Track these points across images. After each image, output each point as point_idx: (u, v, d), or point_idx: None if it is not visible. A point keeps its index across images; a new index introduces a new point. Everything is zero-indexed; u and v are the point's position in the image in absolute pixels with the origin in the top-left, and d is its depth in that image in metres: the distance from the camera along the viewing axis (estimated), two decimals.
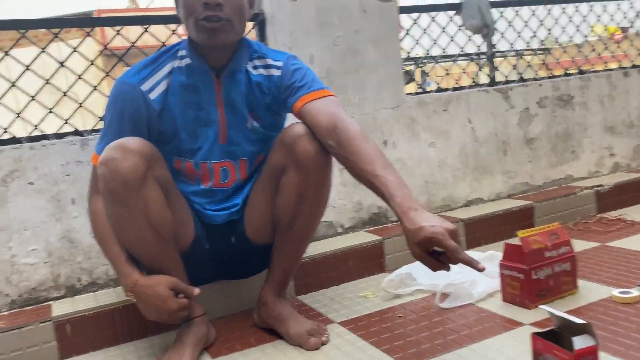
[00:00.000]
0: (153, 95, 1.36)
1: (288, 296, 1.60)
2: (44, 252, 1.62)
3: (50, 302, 1.62)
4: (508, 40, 2.49)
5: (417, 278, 1.70)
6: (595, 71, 2.69)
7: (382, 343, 1.35)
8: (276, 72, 1.42)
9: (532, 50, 2.70)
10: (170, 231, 1.30)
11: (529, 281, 1.44)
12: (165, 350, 1.41)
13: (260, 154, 1.47)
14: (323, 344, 1.38)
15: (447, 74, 2.48)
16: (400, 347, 1.32)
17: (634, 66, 2.77)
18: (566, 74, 2.60)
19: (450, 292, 1.58)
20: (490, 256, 1.73)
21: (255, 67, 1.43)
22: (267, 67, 1.43)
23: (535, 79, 2.50)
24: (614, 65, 2.82)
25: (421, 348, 1.30)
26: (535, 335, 1.10)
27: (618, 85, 2.64)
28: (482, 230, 2.11)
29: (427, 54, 2.38)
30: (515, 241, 1.51)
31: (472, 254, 1.75)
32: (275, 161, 1.40)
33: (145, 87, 1.36)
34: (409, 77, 2.51)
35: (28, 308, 1.59)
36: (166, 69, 1.38)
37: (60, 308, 1.55)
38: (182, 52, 1.40)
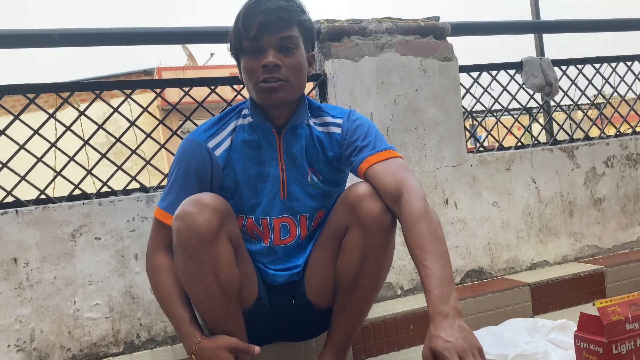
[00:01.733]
0: (218, 152, 1.39)
1: None
2: (106, 307, 1.63)
3: (109, 359, 1.62)
4: (572, 100, 2.43)
5: (484, 347, 1.61)
6: None
7: None
8: (337, 130, 1.42)
9: (596, 106, 2.61)
10: (237, 289, 1.29)
11: (610, 355, 1.33)
12: None
13: (320, 210, 1.45)
14: None
15: (495, 131, 2.43)
16: None
17: None
18: (634, 132, 2.50)
19: None
20: (562, 325, 1.62)
21: (315, 124, 1.44)
22: (326, 124, 1.43)
23: (601, 138, 2.41)
24: None
25: None
26: None
27: None
28: (549, 296, 2.00)
29: (488, 112, 2.35)
30: (590, 310, 1.41)
31: (542, 322, 1.66)
32: (338, 220, 1.38)
33: (211, 144, 1.39)
34: (473, 137, 2.47)
35: None
36: (230, 126, 1.41)
37: None
38: (245, 111, 1.43)
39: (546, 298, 1.99)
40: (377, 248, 1.33)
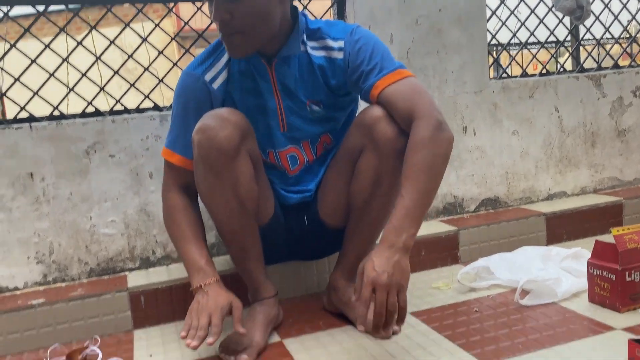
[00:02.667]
0: (216, 85, 1.34)
1: None
2: (121, 223, 1.66)
3: (126, 273, 1.66)
4: (604, 25, 2.31)
5: (495, 272, 1.62)
6: None
7: (457, 337, 1.29)
8: (338, 55, 1.31)
9: (628, 32, 2.48)
10: (255, 205, 1.29)
11: (622, 283, 1.33)
12: None
13: (324, 134, 1.42)
14: (395, 333, 1.33)
15: (521, 60, 2.34)
16: (477, 343, 1.25)
17: None
18: None
19: (531, 289, 1.48)
20: (576, 253, 1.61)
21: (314, 49, 1.34)
22: (327, 49, 1.33)
23: (631, 66, 2.31)
24: None
25: (500, 346, 1.22)
26: (633, 342, 1.00)
27: None
28: (565, 226, 1.98)
29: (514, 37, 2.24)
30: (606, 239, 1.40)
31: (556, 249, 1.65)
32: (352, 142, 1.36)
33: (208, 77, 1.34)
34: (498, 64, 2.37)
35: (105, 277, 1.64)
36: (226, 56, 1.35)
37: (135, 280, 1.58)
38: None
39: (561, 228, 1.98)
40: (391, 171, 1.31)
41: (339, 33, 1.32)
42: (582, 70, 2.26)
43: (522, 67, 2.28)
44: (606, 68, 2.29)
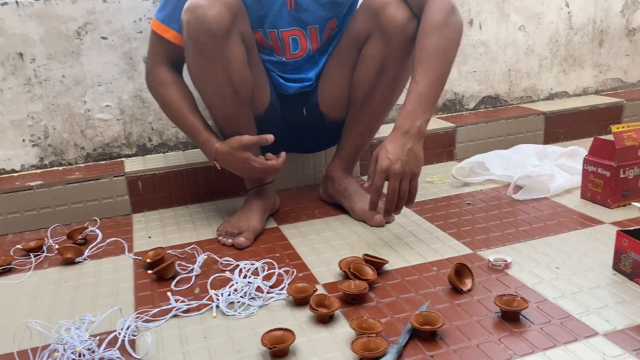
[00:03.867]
0: None
1: (353, 176, 1.57)
2: (116, 109, 1.63)
3: (123, 159, 1.66)
4: None
5: (489, 168, 1.63)
6: None
7: (449, 227, 1.32)
8: None
9: None
10: (249, 92, 1.25)
11: (616, 179, 1.34)
12: (233, 213, 1.43)
13: (331, 20, 1.35)
14: (388, 222, 1.36)
15: None
16: (467, 233, 1.28)
17: None
18: None
19: (524, 184, 1.50)
20: (572, 151, 1.62)
21: None
22: None
23: None
24: None
25: (490, 236, 1.26)
26: (621, 232, 1.03)
27: None
28: (563, 126, 1.98)
29: None
30: (605, 137, 1.39)
31: (552, 147, 1.65)
32: (358, 28, 1.30)
33: None
34: None
35: (102, 162, 1.64)
36: None
37: (132, 165, 1.59)
38: None
39: (560, 128, 1.97)
40: (397, 60, 1.27)
41: None
42: None
43: None
44: None
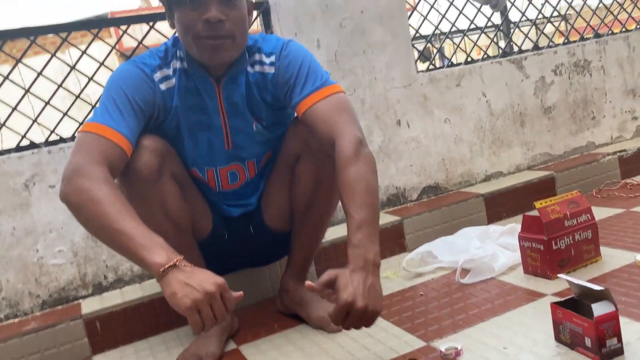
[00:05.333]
0: (163, 87, 1.29)
1: (310, 278, 1.61)
2: (69, 252, 1.66)
3: (79, 301, 1.66)
4: (519, 10, 2.44)
5: (438, 255, 1.70)
6: (612, 33, 2.62)
7: (403, 322, 1.36)
8: (270, 70, 1.32)
9: (546, 17, 2.62)
10: (188, 222, 1.30)
11: (550, 252, 1.42)
12: (192, 340, 1.44)
13: (268, 152, 1.44)
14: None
15: (458, 49, 2.44)
16: (421, 325, 1.32)
17: None
18: (582, 39, 2.54)
19: (471, 267, 1.57)
20: (511, 229, 1.71)
21: (252, 65, 1.33)
22: (260, 64, 1.33)
23: (549, 47, 2.44)
24: (632, 27, 2.74)
25: (442, 325, 1.30)
26: (555, 304, 1.09)
27: (637, 46, 2.57)
28: (503, 205, 2.09)
29: (437, 30, 2.34)
30: (534, 212, 1.49)
31: (493, 227, 1.74)
32: (289, 150, 1.38)
33: (157, 76, 1.28)
34: (424, 57, 2.47)
35: (59, 307, 1.64)
36: (174, 64, 1.31)
37: (89, 306, 1.59)
38: (180, 54, 1.31)
39: (499, 207, 2.08)
40: (330, 172, 1.34)
41: (272, 47, 1.33)
42: (505, 54, 2.38)
43: (448, 59, 2.38)
44: (527, 50, 2.42)
